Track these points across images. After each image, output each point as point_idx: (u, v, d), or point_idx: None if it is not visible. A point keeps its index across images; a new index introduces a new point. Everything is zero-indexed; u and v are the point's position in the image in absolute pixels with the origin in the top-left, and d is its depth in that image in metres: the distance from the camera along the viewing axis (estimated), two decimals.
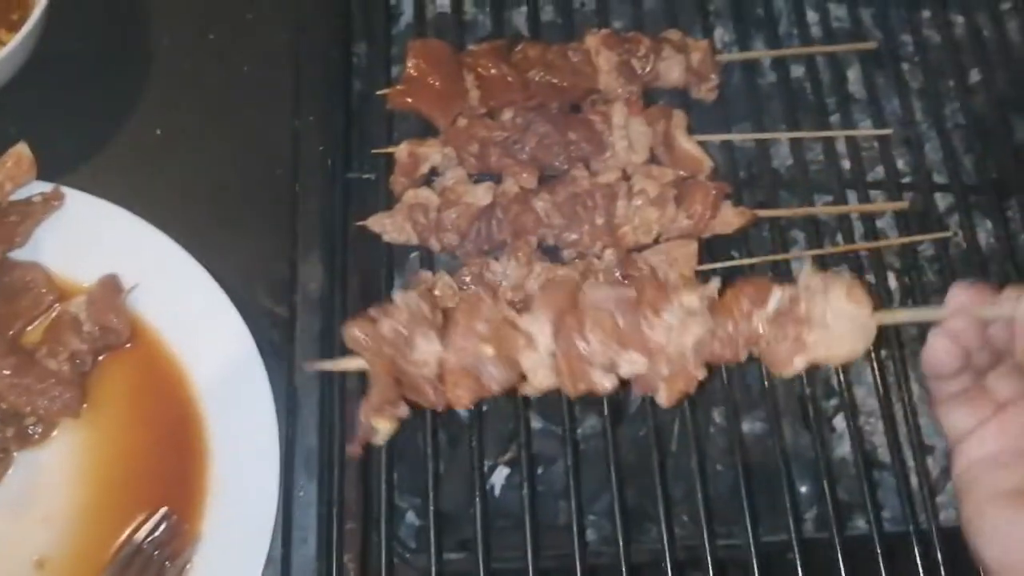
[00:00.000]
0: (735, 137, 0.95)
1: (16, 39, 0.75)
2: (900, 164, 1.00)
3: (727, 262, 0.88)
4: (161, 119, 0.84)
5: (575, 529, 0.76)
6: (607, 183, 0.86)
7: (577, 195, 0.85)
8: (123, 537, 0.69)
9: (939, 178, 0.99)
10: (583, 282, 0.72)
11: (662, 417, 0.85)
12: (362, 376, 0.77)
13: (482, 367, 0.67)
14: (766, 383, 0.83)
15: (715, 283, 0.69)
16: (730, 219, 0.88)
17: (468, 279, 0.81)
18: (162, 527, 0.69)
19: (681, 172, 0.89)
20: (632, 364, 0.68)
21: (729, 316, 0.67)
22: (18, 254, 0.75)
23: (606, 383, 0.68)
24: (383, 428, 0.66)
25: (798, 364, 0.66)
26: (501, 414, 0.86)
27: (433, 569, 0.74)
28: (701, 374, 0.68)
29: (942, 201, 0.99)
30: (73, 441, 0.72)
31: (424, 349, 0.67)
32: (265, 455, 0.71)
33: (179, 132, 0.84)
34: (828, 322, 0.65)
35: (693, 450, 0.79)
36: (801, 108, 0.99)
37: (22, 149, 0.74)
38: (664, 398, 0.69)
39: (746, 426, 0.90)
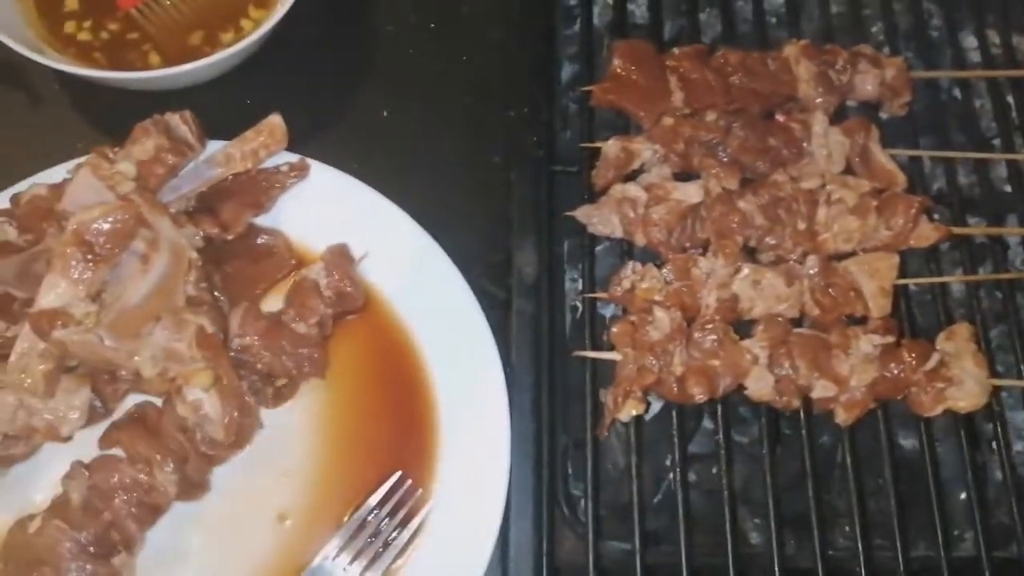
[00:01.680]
0: (925, 154, 0.96)
1: (266, 26, 0.79)
2: None
3: (924, 279, 0.90)
4: (387, 101, 0.88)
5: (728, 527, 0.78)
6: (809, 189, 0.88)
7: (780, 199, 0.87)
8: (360, 497, 0.72)
9: None
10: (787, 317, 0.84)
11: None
12: (577, 363, 0.82)
13: (714, 373, 0.80)
14: None
15: (888, 338, 0.83)
16: (927, 234, 0.89)
17: (672, 273, 0.84)
18: (396, 492, 0.72)
19: (876, 184, 0.91)
20: (825, 389, 0.81)
21: (897, 364, 0.82)
22: (262, 220, 0.79)
23: (797, 401, 0.82)
24: (631, 411, 0.77)
25: (938, 410, 0.82)
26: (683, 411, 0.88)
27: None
28: (871, 404, 0.82)
29: None
30: (313, 402, 0.75)
31: (679, 356, 0.80)
32: (494, 425, 0.73)
33: (404, 114, 0.88)
34: (964, 380, 0.82)
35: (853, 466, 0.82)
36: (985, 128, 1.01)
37: (277, 120, 0.78)
38: (842, 419, 0.82)
39: (908, 443, 0.91)
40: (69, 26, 0.82)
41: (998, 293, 0.93)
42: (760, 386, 0.81)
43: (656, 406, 0.87)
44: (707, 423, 0.89)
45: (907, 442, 0.90)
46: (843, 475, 0.83)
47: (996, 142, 1.00)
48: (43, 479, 0.70)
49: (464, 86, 0.91)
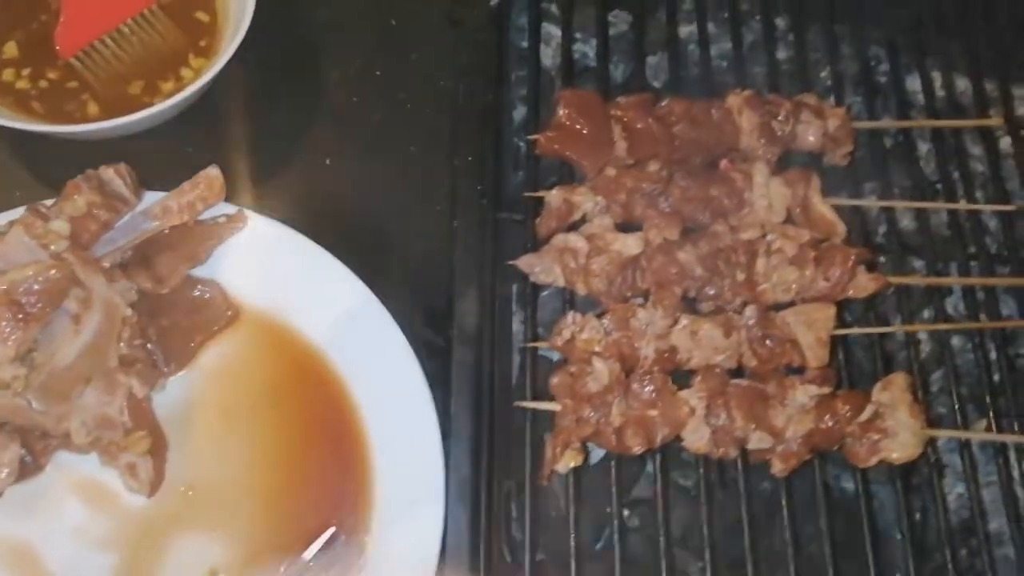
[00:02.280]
0: (864, 203, 0.98)
1: (206, 76, 0.79)
2: None
3: (860, 329, 0.91)
4: (330, 149, 0.89)
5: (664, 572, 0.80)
6: (748, 240, 0.90)
7: (720, 250, 0.88)
8: (293, 549, 0.72)
9: None
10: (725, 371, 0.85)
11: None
12: (518, 412, 0.83)
13: (652, 424, 0.81)
14: None
15: (824, 389, 0.84)
16: (864, 284, 0.90)
17: (611, 324, 0.85)
18: (329, 546, 0.72)
19: (816, 234, 0.92)
20: (761, 440, 0.83)
21: (832, 416, 0.83)
22: (199, 271, 0.79)
23: (734, 452, 0.83)
24: (570, 462, 0.78)
25: (873, 461, 0.84)
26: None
27: None
28: (807, 455, 0.83)
29: None
30: (243, 456, 0.75)
31: (615, 407, 0.81)
32: (429, 476, 0.74)
33: (346, 160, 0.89)
34: (898, 431, 0.83)
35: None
36: (930, 173, 1.03)
37: (214, 172, 0.78)
38: (778, 470, 0.83)
39: (848, 486, 0.92)
40: (7, 74, 0.82)
41: (937, 338, 0.95)
42: (697, 438, 0.82)
43: (600, 451, 0.89)
44: (650, 467, 0.90)
45: (847, 485, 0.91)
46: (783, 520, 0.84)
47: (939, 187, 1.02)
48: None
49: (409, 134, 0.91)
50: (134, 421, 0.70)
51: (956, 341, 0.96)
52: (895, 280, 0.93)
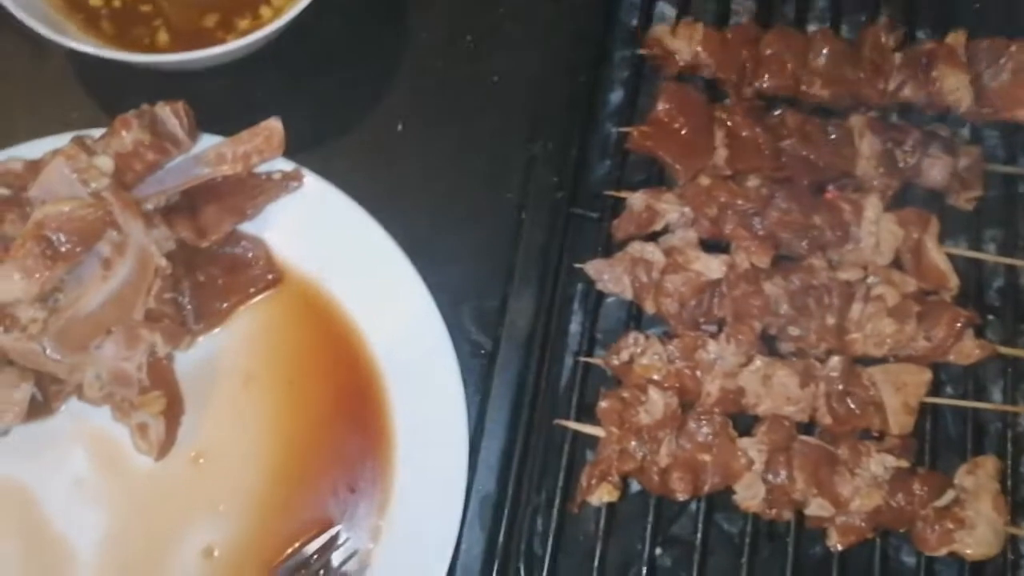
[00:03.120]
0: (987, 258, 0.87)
1: (285, 17, 0.73)
2: None
3: (957, 401, 0.81)
4: (405, 113, 0.82)
5: None
6: (847, 280, 0.80)
7: (812, 286, 0.79)
8: (294, 541, 0.68)
9: None
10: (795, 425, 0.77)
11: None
12: (550, 434, 0.77)
13: (702, 470, 0.73)
14: None
15: (903, 462, 0.75)
16: (969, 351, 0.80)
17: (676, 352, 0.77)
18: (336, 545, 0.68)
19: (923, 284, 0.82)
20: (821, 508, 0.74)
21: (905, 494, 0.74)
22: (246, 227, 0.74)
23: (788, 514, 0.75)
24: (604, 496, 0.72)
25: (943, 551, 0.75)
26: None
27: None
28: (870, 533, 0.74)
29: None
30: (262, 430, 0.71)
31: (667, 447, 0.73)
32: (451, 477, 0.69)
33: (420, 130, 0.82)
34: (976, 524, 0.74)
35: None
36: None
37: (275, 124, 0.72)
38: (834, 542, 0.75)
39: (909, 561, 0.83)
40: None
41: None
42: (750, 494, 0.74)
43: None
44: (694, 505, 0.83)
45: (908, 559, 0.82)
46: None
47: None
48: None
49: (491, 109, 0.84)
50: (151, 379, 0.66)
51: None
52: (1005, 351, 0.82)
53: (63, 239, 0.63)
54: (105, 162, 0.65)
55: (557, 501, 0.75)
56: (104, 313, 0.65)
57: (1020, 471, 0.83)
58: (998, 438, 0.83)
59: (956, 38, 0.87)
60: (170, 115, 0.70)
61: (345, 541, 0.68)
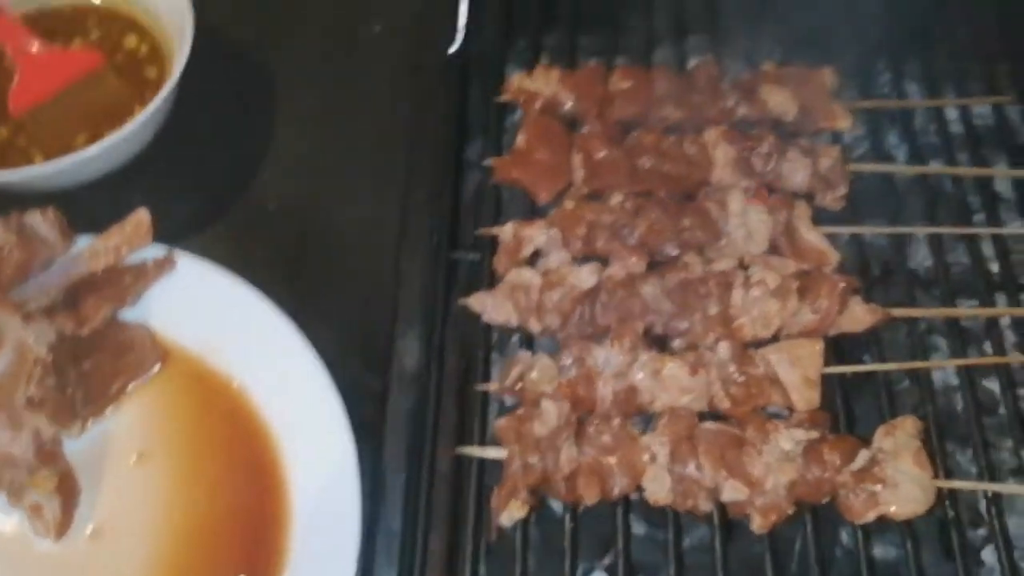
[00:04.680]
0: (866, 230, 0.88)
1: (147, 111, 0.79)
2: None
3: (856, 366, 0.81)
4: (276, 193, 0.87)
5: None
6: (722, 271, 0.81)
7: (689, 282, 0.80)
8: None
9: None
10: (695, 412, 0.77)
11: (782, 534, 0.77)
12: (455, 462, 0.76)
13: (608, 472, 0.73)
14: None
15: (811, 433, 0.74)
16: (860, 317, 0.80)
17: (568, 363, 0.77)
18: None
19: (804, 265, 0.83)
20: (735, 491, 0.73)
21: (819, 464, 0.73)
22: (131, 314, 0.77)
23: (707, 505, 0.74)
24: (516, 513, 0.71)
25: (870, 516, 0.72)
26: (601, 514, 0.79)
27: None
28: (790, 509, 0.72)
29: None
30: (159, 501, 0.71)
31: (567, 453, 0.73)
32: (345, 529, 0.67)
33: (292, 205, 0.86)
34: (899, 482, 0.72)
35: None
36: (941, 206, 0.93)
37: (142, 214, 0.77)
38: (757, 525, 0.73)
39: (878, 551, 0.79)
40: None
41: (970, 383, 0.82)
42: (657, 487, 0.72)
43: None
44: (638, 528, 0.81)
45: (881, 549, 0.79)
46: None
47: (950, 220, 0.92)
48: None
49: (361, 175, 0.89)
50: (40, 460, 0.67)
51: (985, 385, 0.84)
52: (899, 313, 0.82)
53: None
54: None
55: (471, 528, 0.73)
56: None
57: (944, 428, 0.82)
58: (914, 401, 0.82)
59: (770, 66, 0.94)
60: (40, 220, 0.74)
61: None
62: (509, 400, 0.80)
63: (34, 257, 0.72)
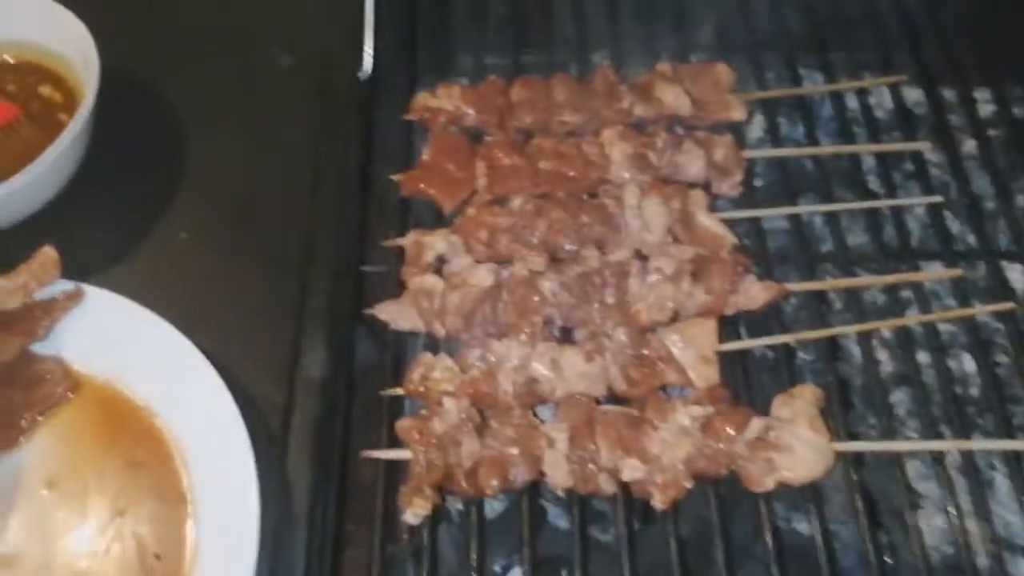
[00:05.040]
0: (761, 213, 0.90)
1: (54, 149, 0.82)
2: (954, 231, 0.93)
3: (748, 341, 0.82)
4: (187, 224, 0.90)
5: None
6: (617, 261, 0.83)
7: (585, 274, 0.82)
8: None
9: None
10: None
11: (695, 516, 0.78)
12: (365, 468, 0.77)
13: (509, 462, 0.74)
14: None
15: (708, 408, 0.75)
16: (756, 294, 0.82)
17: (472, 361, 0.79)
18: None
19: (701, 250, 0.85)
20: (633, 470, 0.74)
21: (715, 437, 0.74)
22: (43, 347, 0.79)
23: (609, 487, 0.74)
24: (420, 511, 0.72)
25: (769, 483, 0.73)
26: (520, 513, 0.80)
27: None
28: (689, 484, 0.74)
29: (1010, 271, 0.90)
30: (68, 528, 0.72)
31: (467, 447, 0.74)
32: (244, 546, 0.68)
33: (203, 233, 0.89)
34: (794, 447, 0.74)
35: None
36: (837, 186, 0.95)
37: (48, 251, 0.79)
38: (659, 501, 0.74)
39: (804, 527, 0.79)
40: None
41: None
42: (557, 472, 0.73)
43: (500, 505, 0.80)
44: (560, 522, 0.81)
45: (801, 527, 0.79)
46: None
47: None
48: None
49: (268, 200, 0.91)
50: None
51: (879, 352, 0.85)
52: (795, 287, 0.84)
53: None
54: None
55: (379, 534, 0.74)
56: None
57: (848, 395, 0.83)
58: (814, 372, 0.83)
59: (664, 66, 0.97)
60: None
61: None
62: (420, 404, 0.81)
63: None
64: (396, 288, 0.86)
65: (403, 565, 0.75)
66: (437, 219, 0.91)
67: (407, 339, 0.84)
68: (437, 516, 0.75)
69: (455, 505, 0.80)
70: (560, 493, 0.76)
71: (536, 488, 0.77)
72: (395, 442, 0.78)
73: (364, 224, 0.91)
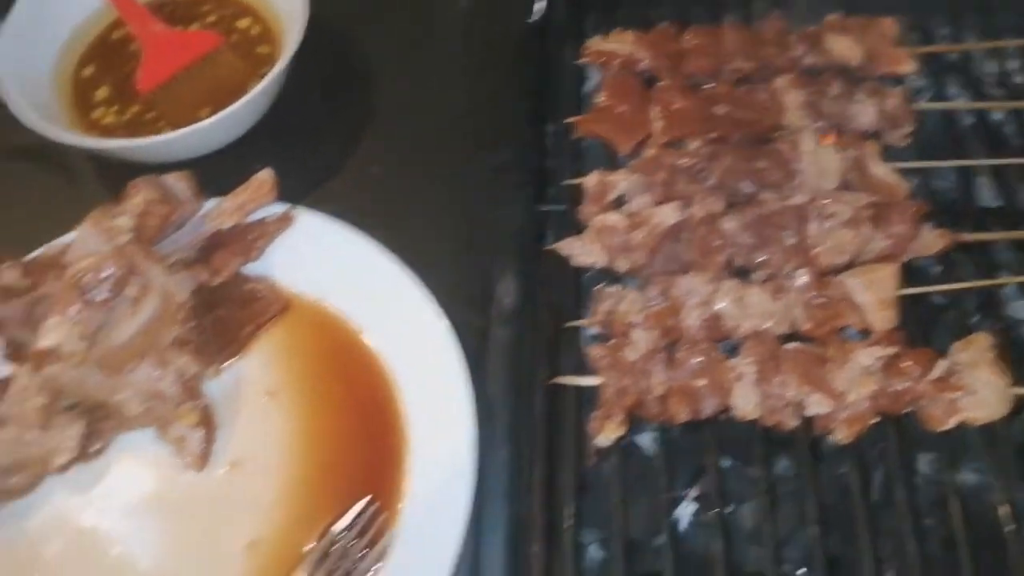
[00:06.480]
0: (933, 164, 0.90)
1: (264, 83, 0.85)
2: None
3: (930, 287, 0.82)
4: (378, 158, 0.93)
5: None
6: (797, 205, 0.84)
7: (766, 217, 0.83)
8: (327, 520, 0.71)
9: None
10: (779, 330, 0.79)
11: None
12: (552, 394, 0.80)
13: (698, 393, 0.76)
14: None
15: (891, 349, 0.76)
16: (930, 242, 0.82)
17: (654, 295, 0.81)
18: (362, 516, 0.71)
19: (874, 198, 0.85)
20: (818, 405, 0.75)
21: (898, 376, 0.75)
22: (256, 267, 0.83)
23: (792, 420, 0.76)
24: (612, 434, 0.75)
25: (950, 422, 0.75)
26: (689, 448, 0.81)
27: None
28: (873, 419, 0.75)
29: None
30: (288, 435, 0.76)
31: (658, 376, 0.76)
32: (460, 453, 0.72)
33: (393, 169, 0.92)
34: (976, 389, 0.74)
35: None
36: (1004, 146, 0.94)
37: (265, 175, 0.83)
38: (842, 436, 0.75)
39: (963, 477, 0.80)
40: (97, 113, 0.92)
41: None
42: (746, 403, 0.75)
43: (653, 442, 0.82)
44: (724, 461, 0.83)
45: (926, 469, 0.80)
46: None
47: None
48: (35, 514, 0.74)
49: (454, 138, 0.94)
50: (184, 395, 0.73)
51: None
52: (968, 237, 0.84)
53: (96, 288, 0.72)
54: (124, 221, 0.75)
55: (574, 454, 0.77)
56: (136, 342, 0.72)
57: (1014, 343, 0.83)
58: (984, 319, 0.83)
59: (833, 17, 0.97)
60: (175, 181, 0.80)
61: (374, 507, 0.71)
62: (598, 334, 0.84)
63: (173, 213, 0.78)
64: (570, 226, 0.88)
65: (594, 488, 0.78)
66: (609, 162, 0.92)
67: (586, 275, 0.87)
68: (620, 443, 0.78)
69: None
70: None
71: (702, 425, 0.79)
72: (580, 371, 0.80)
73: (540, 166, 0.93)
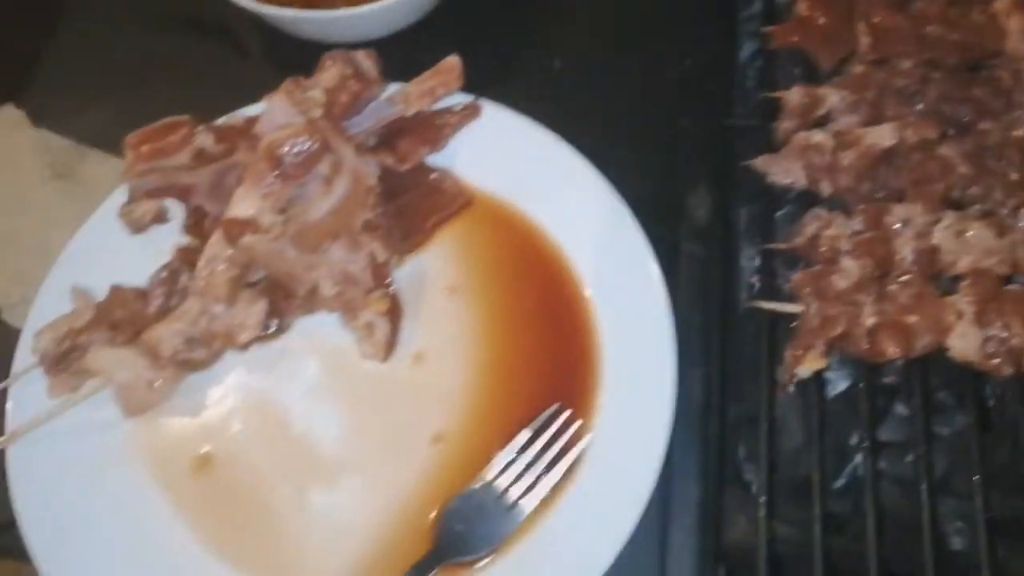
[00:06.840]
0: None
1: None
2: None
3: None
4: (561, 53, 0.87)
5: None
6: (1019, 137, 0.77)
7: (988, 147, 0.76)
8: (516, 425, 0.69)
9: None
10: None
11: None
12: (752, 327, 0.75)
13: (911, 329, 0.71)
14: None
15: None
16: None
17: (861, 223, 0.75)
18: (555, 420, 0.68)
19: None
20: None
21: None
22: (435, 160, 0.78)
23: (1008, 368, 0.70)
24: (812, 365, 0.70)
25: None
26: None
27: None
28: None
29: None
30: (472, 332, 0.73)
31: (869, 308, 0.71)
32: (659, 368, 0.68)
33: (576, 66, 0.87)
34: None
35: None
36: None
37: (453, 60, 0.77)
38: None
39: None
40: None
41: None
42: (965, 344, 0.70)
43: (841, 384, 0.78)
44: (900, 408, 0.79)
45: None
46: None
47: None
48: (216, 388, 0.72)
49: (639, 38, 0.88)
50: (375, 282, 0.70)
51: None
52: None
53: (290, 161, 0.68)
54: (317, 94, 0.71)
55: (765, 388, 0.72)
56: (329, 222, 0.69)
57: None
58: None
59: None
60: (363, 59, 0.76)
61: (566, 414, 0.68)
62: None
63: (365, 89, 0.74)
64: (760, 143, 0.82)
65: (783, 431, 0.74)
66: (797, 76, 0.86)
67: (782, 195, 0.81)
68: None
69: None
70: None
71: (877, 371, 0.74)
72: (776, 296, 0.76)
73: (729, 76, 0.86)
